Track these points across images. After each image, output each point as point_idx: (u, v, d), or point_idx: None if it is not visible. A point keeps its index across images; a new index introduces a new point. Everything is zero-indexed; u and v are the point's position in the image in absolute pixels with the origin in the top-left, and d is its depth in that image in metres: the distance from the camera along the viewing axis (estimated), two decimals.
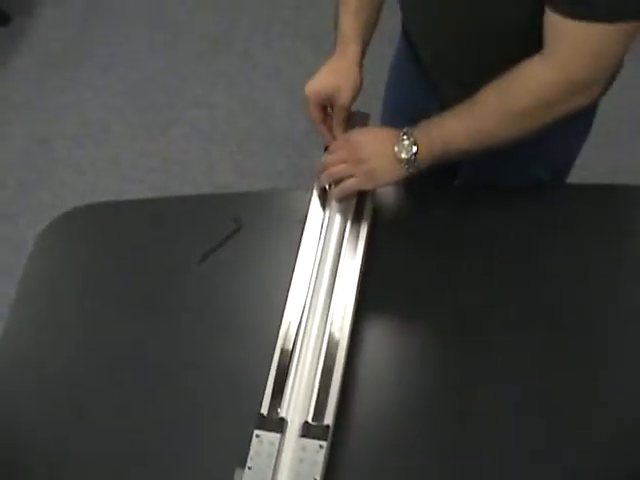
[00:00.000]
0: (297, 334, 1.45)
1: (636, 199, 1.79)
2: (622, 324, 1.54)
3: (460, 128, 1.44)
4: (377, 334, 1.59)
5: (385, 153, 1.46)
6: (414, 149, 1.43)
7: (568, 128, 1.52)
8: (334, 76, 1.56)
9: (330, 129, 1.61)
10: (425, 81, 1.80)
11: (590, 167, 2.12)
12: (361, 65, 1.60)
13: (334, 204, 1.61)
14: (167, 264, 1.76)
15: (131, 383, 1.56)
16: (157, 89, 4.03)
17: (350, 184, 1.53)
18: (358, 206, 1.62)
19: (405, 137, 1.44)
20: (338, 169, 1.53)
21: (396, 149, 1.45)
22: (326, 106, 1.61)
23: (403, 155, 1.44)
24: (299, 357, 1.43)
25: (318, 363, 1.41)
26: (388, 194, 1.76)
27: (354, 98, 1.57)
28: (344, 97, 1.54)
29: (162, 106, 3.94)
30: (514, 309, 1.57)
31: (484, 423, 1.43)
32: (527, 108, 1.39)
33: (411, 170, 1.46)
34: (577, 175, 1.98)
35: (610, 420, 1.41)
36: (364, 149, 1.49)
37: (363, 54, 1.62)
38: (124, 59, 4.17)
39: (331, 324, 1.46)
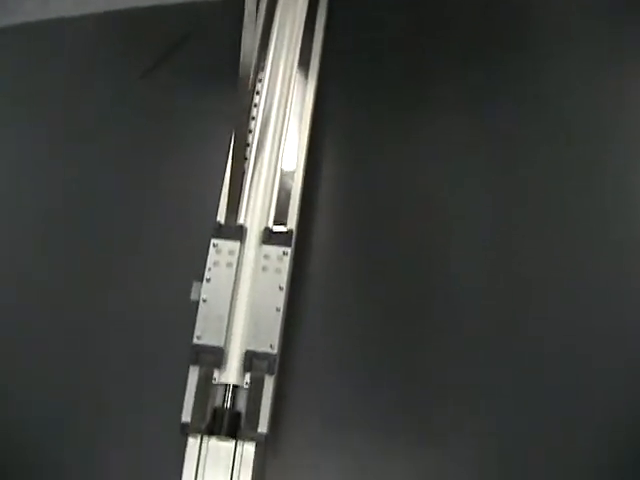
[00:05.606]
0: (252, 137, 1.25)
1: None
2: None
3: None
4: (339, 141, 1.39)
5: None
6: None
7: None
8: None
9: None
10: None
11: None
12: None
13: None
14: (108, 82, 1.52)
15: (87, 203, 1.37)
16: None
17: None
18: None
19: None
20: None
21: None
22: None
23: None
24: (256, 159, 1.23)
25: (277, 164, 1.22)
26: None
27: None
28: None
29: None
30: None
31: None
32: None
33: None
34: None
35: None
36: None
37: None
38: None
39: (289, 122, 1.26)
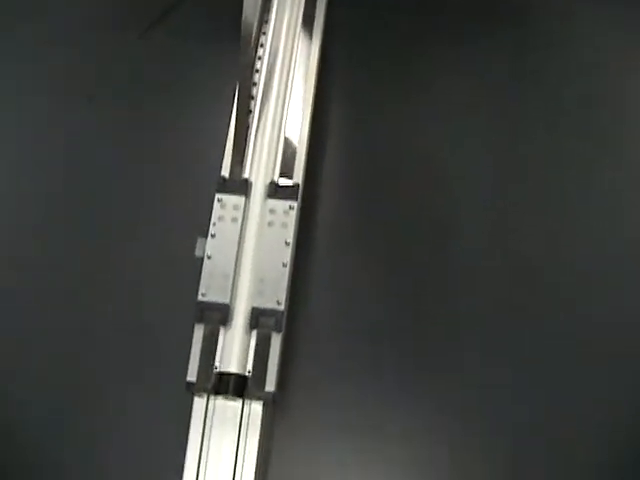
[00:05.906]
0: (256, 90, 1.20)
1: None
2: None
3: None
4: (340, 100, 1.36)
5: None
6: None
7: None
8: None
9: None
10: None
11: None
12: None
13: None
14: (108, 40, 1.48)
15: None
16: None
17: None
18: None
19: None
20: None
21: None
22: None
23: None
24: (260, 112, 1.19)
25: (282, 117, 1.17)
26: None
27: None
28: None
29: None
30: None
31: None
32: None
33: None
34: None
35: None
36: None
37: None
38: None
39: (293, 74, 1.21)
